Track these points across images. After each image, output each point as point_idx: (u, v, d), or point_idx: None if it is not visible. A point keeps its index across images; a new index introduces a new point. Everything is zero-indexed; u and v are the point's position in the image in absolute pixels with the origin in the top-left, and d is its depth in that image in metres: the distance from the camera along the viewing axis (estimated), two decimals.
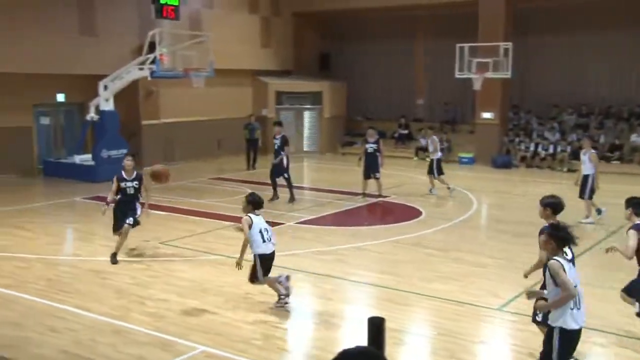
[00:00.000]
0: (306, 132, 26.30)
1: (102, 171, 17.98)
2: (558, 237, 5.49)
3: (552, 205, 6.83)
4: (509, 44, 20.33)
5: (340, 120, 26.63)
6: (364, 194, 15.74)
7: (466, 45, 20.57)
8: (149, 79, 18.15)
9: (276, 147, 15.34)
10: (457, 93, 25.66)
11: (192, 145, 22.45)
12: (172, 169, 12.97)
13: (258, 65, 25.20)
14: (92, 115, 18.74)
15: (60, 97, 19.87)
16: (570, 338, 5.44)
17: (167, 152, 21.63)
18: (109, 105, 18.59)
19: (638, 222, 6.99)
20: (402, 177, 19.51)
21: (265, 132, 22.42)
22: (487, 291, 8.88)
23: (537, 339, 7.23)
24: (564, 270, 5.33)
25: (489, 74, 20.28)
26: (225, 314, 7.95)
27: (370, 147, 15.84)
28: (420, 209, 14.54)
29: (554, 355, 5.45)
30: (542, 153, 22.40)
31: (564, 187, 19.54)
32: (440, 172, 16.61)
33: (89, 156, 18.87)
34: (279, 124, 16.14)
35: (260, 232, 8.11)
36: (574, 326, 5.40)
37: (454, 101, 26.10)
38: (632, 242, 6.78)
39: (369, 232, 12.45)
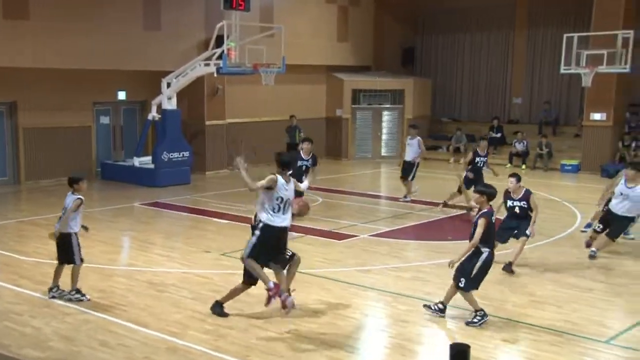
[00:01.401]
0: (385, 135, 26.16)
1: (163, 175, 18.49)
2: None
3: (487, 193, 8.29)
4: (630, 32, 19.37)
5: (424, 122, 26.32)
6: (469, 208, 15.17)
7: (575, 35, 19.84)
8: (215, 75, 18.50)
9: (304, 167, 13.50)
10: (562, 91, 25.01)
11: (259, 147, 22.70)
12: (235, 173, 13.17)
13: (333, 60, 25.33)
14: (153, 114, 19.31)
15: (121, 95, 20.61)
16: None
17: (232, 154, 22.01)
18: (171, 104, 19.08)
19: (485, 210, 8.19)
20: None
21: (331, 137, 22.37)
22: (592, 320, 8.56)
23: None
24: None
25: (602, 68, 19.48)
26: (291, 334, 7.98)
27: (481, 160, 15.24)
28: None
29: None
30: None
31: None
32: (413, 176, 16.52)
33: (149, 158, 19.41)
34: (308, 140, 14.16)
35: (279, 199, 7.99)
36: None
37: (558, 100, 25.41)
38: (480, 229, 8.05)
39: (453, 247, 12.25)
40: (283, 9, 22.75)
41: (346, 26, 25.61)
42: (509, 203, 10.88)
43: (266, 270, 8.25)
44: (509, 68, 26.56)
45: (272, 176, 8.03)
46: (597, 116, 22.35)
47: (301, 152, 13.70)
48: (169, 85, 19.02)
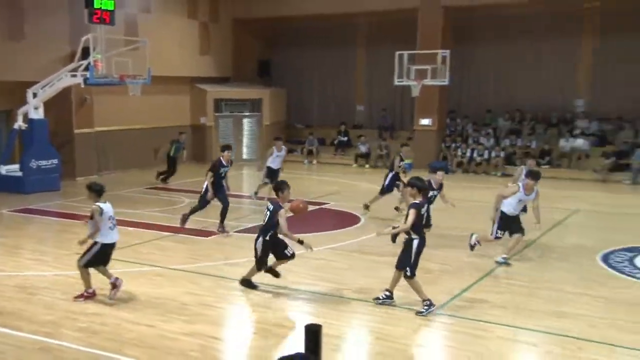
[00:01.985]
0: (245, 139, 26.16)
1: (31, 182, 17.44)
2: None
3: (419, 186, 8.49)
4: (447, 52, 20.73)
5: (280, 127, 26.59)
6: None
7: (405, 53, 20.89)
8: (82, 86, 17.68)
9: (224, 174, 13.06)
10: (396, 100, 26.08)
11: (127, 154, 21.98)
12: (106, 178, 12.58)
13: (196, 72, 24.96)
14: (19, 124, 18.12)
15: None
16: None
17: (101, 161, 21.15)
18: (38, 114, 17.99)
19: (416, 201, 8.32)
20: (341, 184, 19.62)
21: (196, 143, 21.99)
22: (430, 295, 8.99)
23: (475, 340, 7.39)
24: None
25: (427, 81, 20.65)
26: (162, 326, 7.79)
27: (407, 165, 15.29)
28: (360, 216, 14.63)
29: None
30: (478, 158, 22.94)
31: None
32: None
33: (16, 166, 18.21)
34: (228, 149, 13.46)
35: (110, 219, 8.60)
36: None
37: (393, 108, 26.50)
38: (411, 218, 8.19)
39: (309, 240, 12.42)
40: (147, 24, 22.11)
41: (207, 41, 25.31)
42: (430, 193, 11.72)
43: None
44: (352, 80, 27.39)
45: (95, 207, 8.43)
46: (425, 122, 23.59)
47: (222, 159, 13.03)
48: (35, 95, 17.90)
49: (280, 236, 9.04)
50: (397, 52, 20.97)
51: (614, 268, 10.55)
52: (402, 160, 15.16)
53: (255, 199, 16.41)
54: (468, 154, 23.13)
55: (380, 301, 8.59)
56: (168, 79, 22.41)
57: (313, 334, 4.34)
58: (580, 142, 22.13)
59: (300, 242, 8.95)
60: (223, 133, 25.49)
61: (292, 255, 9.20)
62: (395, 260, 8.55)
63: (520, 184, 10.75)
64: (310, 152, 25.56)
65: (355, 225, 13.83)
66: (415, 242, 8.36)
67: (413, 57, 21.29)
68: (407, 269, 8.36)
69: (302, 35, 27.26)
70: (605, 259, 11.12)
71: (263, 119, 25.95)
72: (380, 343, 7.45)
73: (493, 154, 22.75)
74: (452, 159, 23.32)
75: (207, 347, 7.25)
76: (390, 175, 14.94)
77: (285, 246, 9.14)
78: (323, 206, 15.98)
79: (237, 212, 15.28)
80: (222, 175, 13.00)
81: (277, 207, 8.91)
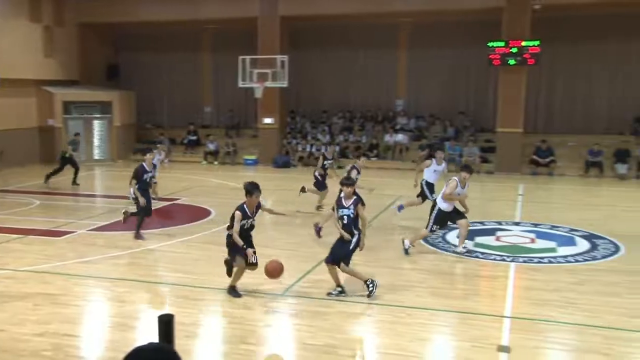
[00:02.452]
0: (96, 140, 24.72)
1: None
2: None
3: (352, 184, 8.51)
4: (285, 57, 21.06)
5: (130, 129, 25.49)
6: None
7: (248, 58, 20.92)
8: None
9: (149, 179, 11.87)
10: (241, 101, 26.00)
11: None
12: None
13: (42, 75, 23.18)
14: None
15: None
16: None
17: None
18: None
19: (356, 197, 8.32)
20: (192, 181, 19.22)
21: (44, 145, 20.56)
22: (274, 280, 9.07)
23: (318, 316, 7.58)
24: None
25: (269, 84, 20.86)
26: (12, 329, 7.17)
27: (328, 162, 14.22)
28: (210, 209, 14.44)
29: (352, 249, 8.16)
30: (316, 153, 23.50)
31: (337, 182, 20.72)
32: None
33: None
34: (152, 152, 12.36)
35: None
36: None
37: (238, 108, 26.41)
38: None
39: (163, 234, 12.07)
40: None
41: (52, 44, 23.58)
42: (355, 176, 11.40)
43: None
44: (200, 82, 26.91)
45: None
46: (268, 120, 23.76)
47: (144, 164, 11.76)
48: None
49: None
50: (240, 57, 20.94)
51: (431, 244, 11.29)
52: (326, 159, 14.23)
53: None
54: (307, 149, 23.64)
55: (334, 295, 8.21)
56: (13, 82, 20.65)
57: (165, 324, 4.21)
58: (401, 137, 23.44)
59: (244, 248, 8.03)
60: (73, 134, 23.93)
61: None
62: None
63: (456, 179, 10.37)
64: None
65: (208, 218, 13.61)
66: (356, 238, 8.21)
67: (255, 61, 21.38)
68: (342, 261, 8.14)
69: (150, 39, 26.26)
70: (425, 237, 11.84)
71: (114, 120, 24.68)
72: (232, 326, 7.41)
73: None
74: (293, 153, 23.70)
75: (62, 345, 6.78)
76: (317, 173, 14.20)
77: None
78: (176, 202, 15.57)
79: (89, 210, 14.47)
80: (147, 180, 11.71)
81: (237, 208, 8.10)
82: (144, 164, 11.70)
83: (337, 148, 14.99)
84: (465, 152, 21.80)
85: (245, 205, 8.17)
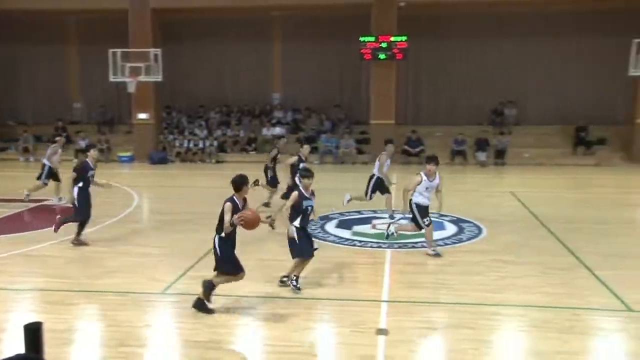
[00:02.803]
0: None
1: None
2: None
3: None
4: (158, 51, 20.39)
5: None
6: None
7: (118, 51, 20.02)
8: None
9: (93, 176, 10.97)
10: (113, 96, 24.85)
11: None
12: None
13: None
14: None
15: None
16: None
17: None
18: None
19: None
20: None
21: None
22: (151, 278, 8.80)
23: (201, 313, 7.43)
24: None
25: (142, 78, 20.10)
26: None
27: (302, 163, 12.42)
28: None
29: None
30: (194, 148, 23.06)
31: (215, 176, 20.48)
32: None
33: None
34: (95, 147, 11.76)
35: None
36: None
37: (111, 104, 25.23)
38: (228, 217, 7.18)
39: (32, 237, 11.27)
40: None
41: None
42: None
43: None
44: (65, 76, 25.43)
45: None
46: (142, 116, 22.95)
47: (89, 161, 10.84)
48: None
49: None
50: (111, 50, 20.00)
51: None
52: (301, 160, 12.62)
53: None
54: (185, 145, 23.11)
55: (293, 286, 8.14)
56: None
57: (33, 332, 3.94)
58: (278, 130, 23.57)
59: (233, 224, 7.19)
60: None
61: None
62: (115, 247, 8.17)
63: (421, 173, 10.07)
64: (26, 149, 23.14)
65: None
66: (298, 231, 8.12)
67: (127, 55, 20.51)
68: (296, 253, 8.08)
69: (9, 29, 24.34)
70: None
71: None
72: (111, 329, 7.09)
73: (207, 144, 23.06)
74: (170, 149, 23.08)
75: None
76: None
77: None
78: (44, 202, 14.61)
79: None
80: (91, 178, 10.77)
81: (226, 200, 7.29)
82: (88, 160, 10.84)
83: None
84: (341, 144, 22.35)
85: (235, 197, 7.37)
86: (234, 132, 23.95)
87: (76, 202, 10.49)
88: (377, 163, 12.71)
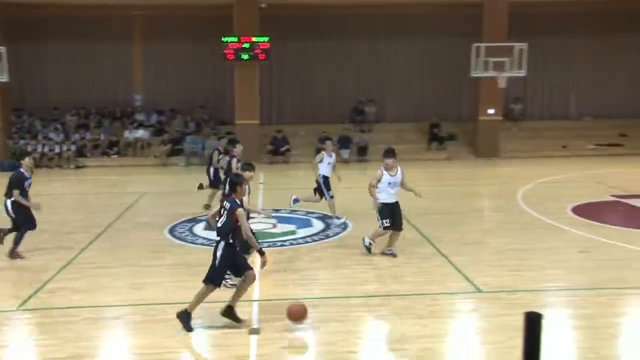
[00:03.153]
0: None
1: None
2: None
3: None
4: (3, 49, 18.81)
5: None
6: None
7: None
8: None
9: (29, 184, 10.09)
10: None
11: None
12: None
13: None
14: None
15: None
16: None
17: None
18: None
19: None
20: None
21: None
22: (4, 294, 8.12)
23: (62, 327, 6.97)
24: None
25: None
26: None
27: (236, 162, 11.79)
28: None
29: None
30: (49, 153, 21.57)
31: (74, 182, 19.32)
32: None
33: None
34: (29, 155, 10.56)
35: None
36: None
37: None
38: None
39: None
40: None
41: None
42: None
43: None
44: None
45: None
46: None
47: (23, 170, 9.77)
48: None
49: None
50: None
51: (178, 238, 11.18)
52: (220, 153, 13.10)
53: None
54: (39, 149, 21.53)
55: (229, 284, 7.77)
56: None
57: None
58: (141, 133, 22.72)
59: (262, 252, 6.92)
60: None
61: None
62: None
63: (381, 167, 9.68)
64: None
65: None
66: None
67: None
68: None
69: None
70: (172, 231, 11.70)
71: None
72: None
73: (64, 148, 21.67)
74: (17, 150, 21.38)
75: None
76: (212, 170, 13.30)
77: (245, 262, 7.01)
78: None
79: None
80: (27, 189, 9.76)
81: (234, 205, 6.78)
82: (22, 169, 9.81)
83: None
84: (207, 145, 22.00)
85: (236, 200, 6.92)
86: (93, 136, 22.70)
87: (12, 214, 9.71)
88: (319, 163, 12.15)
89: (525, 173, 18.69)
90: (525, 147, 22.97)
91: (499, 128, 23.00)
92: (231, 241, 6.83)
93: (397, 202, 9.66)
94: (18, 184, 9.64)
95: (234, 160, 11.40)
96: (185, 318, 6.88)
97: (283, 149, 22.23)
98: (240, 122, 22.12)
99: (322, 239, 11.15)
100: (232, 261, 6.89)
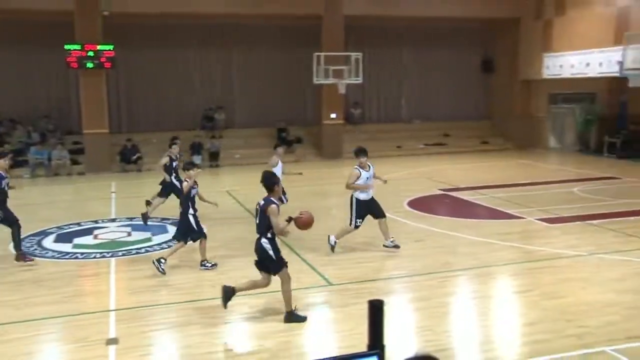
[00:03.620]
0: None
1: None
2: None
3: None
4: None
5: None
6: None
7: None
8: None
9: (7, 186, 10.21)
10: None
11: None
12: None
13: None
14: None
15: None
16: None
17: None
18: None
19: None
20: None
21: None
22: None
23: None
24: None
25: None
26: None
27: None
28: None
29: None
30: None
31: None
32: None
33: None
34: (5, 155, 10.55)
35: None
36: None
37: None
38: None
39: None
40: None
41: None
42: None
43: None
44: None
45: None
46: None
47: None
48: None
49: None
50: None
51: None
52: (172, 160, 12.38)
53: None
54: None
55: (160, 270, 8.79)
56: None
57: None
58: None
59: (289, 220, 7.00)
60: None
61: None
62: None
63: (356, 167, 9.83)
64: None
65: None
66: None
67: None
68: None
69: None
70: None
71: None
72: None
73: None
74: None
75: None
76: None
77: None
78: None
79: None
80: (5, 189, 9.67)
81: (267, 202, 6.92)
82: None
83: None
84: (53, 155, 20.46)
85: (272, 198, 7.03)
86: None
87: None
88: (273, 168, 12.01)
89: None
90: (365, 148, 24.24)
91: (341, 131, 23.97)
92: (270, 235, 6.99)
93: (372, 198, 9.96)
94: None
95: (166, 159, 12.01)
96: (294, 317, 7.03)
97: (134, 157, 21.31)
98: (89, 131, 20.86)
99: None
100: (279, 253, 7.12)
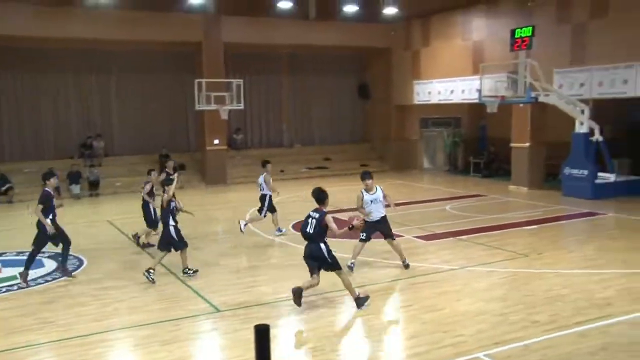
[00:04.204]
0: None
1: None
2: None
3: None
4: None
5: None
6: None
7: None
8: None
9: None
10: None
11: None
12: None
13: None
14: None
15: None
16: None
17: None
18: None
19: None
20: None
21: None
22: None
23: None
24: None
25: None
26: None
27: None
28: None
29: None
30: None
31: None
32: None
33: None
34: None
35: None
36: None
37: None
38: None
39: None
40: None
41: None
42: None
43: None
44: None
45: None
46: None
47: (49, 189, 9.78)
48: None
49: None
50: None
51: None
52: (168, 174, 12.76)
53: None
54: None
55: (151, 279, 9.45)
56: None
57: None
58: None
59: (351, 228, 8.04)
60: None
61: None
62: None
63: (361, 190, 10.18)
64: None
65: None
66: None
67: None
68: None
69: None
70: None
71: None
72: None
73: None
74: None
75: None
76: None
77: None
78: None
79: None
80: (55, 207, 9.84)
81: (323, 214, 8.11)
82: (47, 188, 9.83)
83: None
84: None
85: (324, 210, 8.19)
86: None
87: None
88: (263, 184, 13.28)
89: (251, 197, 19.54)
90: (249, 173, 24.05)
91: (224, 157, 23.80)
92: (326, 241, 8.08)
93: (383, 217, 10.20)
94: (46, 200, 9.69)
95: (149, 185, 12.31)
96: (362, 301, 8.16)
97: (4, 188, 19.70)
98: None
99: (54, 278, 10.20)
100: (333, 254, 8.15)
